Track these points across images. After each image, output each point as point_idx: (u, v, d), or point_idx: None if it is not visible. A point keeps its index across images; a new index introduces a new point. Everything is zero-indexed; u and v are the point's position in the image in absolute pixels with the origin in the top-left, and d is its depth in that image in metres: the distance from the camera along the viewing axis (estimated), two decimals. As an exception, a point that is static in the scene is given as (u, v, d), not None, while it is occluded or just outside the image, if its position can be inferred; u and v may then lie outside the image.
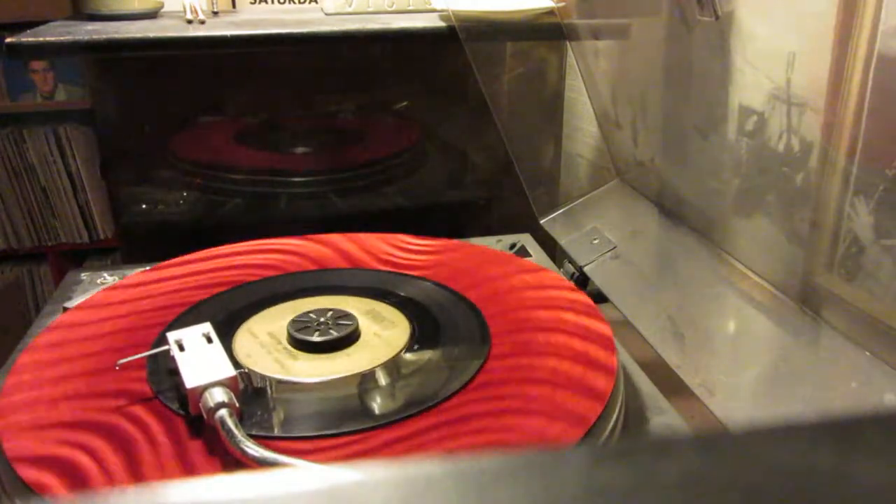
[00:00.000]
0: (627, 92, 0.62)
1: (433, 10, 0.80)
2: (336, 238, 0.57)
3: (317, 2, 0.84)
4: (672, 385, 0.45)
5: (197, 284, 0.50)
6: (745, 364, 0.45)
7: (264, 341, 0.42)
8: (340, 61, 0.80)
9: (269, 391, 0.38)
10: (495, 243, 0.63)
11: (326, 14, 0.79)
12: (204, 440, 0.34)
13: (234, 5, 0.85)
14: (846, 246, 0.38)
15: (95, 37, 0.65)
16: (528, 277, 0.50)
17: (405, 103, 0.83)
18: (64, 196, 1.38)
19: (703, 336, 0.49)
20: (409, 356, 0.41)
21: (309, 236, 0.57)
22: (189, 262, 0.54)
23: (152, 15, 0.78)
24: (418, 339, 0.43)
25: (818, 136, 0.38)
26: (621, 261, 0.60)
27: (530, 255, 0.61)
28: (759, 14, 0.42)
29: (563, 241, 0.66)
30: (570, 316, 0.44)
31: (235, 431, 0.32)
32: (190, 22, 0.73)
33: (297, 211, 0.81)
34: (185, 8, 0.75)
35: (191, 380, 0.35)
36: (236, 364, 0.39)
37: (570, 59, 0.77)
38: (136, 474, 0.32)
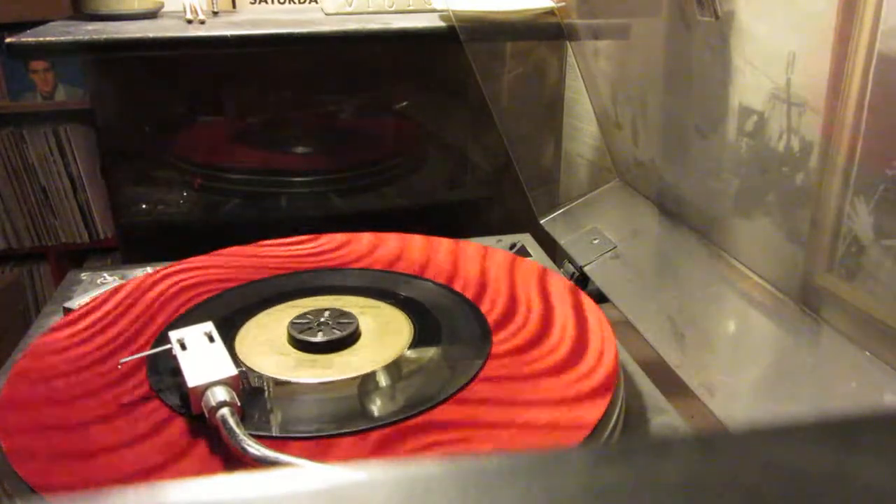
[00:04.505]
0: (627, 92, 0.62)
1: (433, 10, 0.80)
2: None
3: (317, 2, 0.84)
4: (672, 385, 0.45)
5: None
6: (745, 364, 0.45)
7: (265, 341, 0.42)
8: (340, 61, 0.80)
9: (269, 391, 0.38)
10: (495, 243, 0.63)
11: (326, 14, 0.79)
12: (205, 439, 0.34)
13: (234, 5, 0.85)
14: (846, 246, 0.38)
15: (95, 37, 0.65)
16: (528, 278, 0.50)
17: (405, 103, 0.83)
18: (64, 196, 1.38)
19: (703, 336, 0.49)
20: (409, 356, 0.41)
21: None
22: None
23: (152, 15, 0.78)
24: (418, 340, 0.43)
25: (818, 136, 0.38)
26: (621, 261, 0.60)
27: (530, 255, 0.61)
28: (759, 14, 0.42)
29: (563, 241, 0.66)
30: (570, 316, 0.44)
31: (237, 430, 0.32)
32: (190, 22, 0.73)
33: (297, 211, 0.81)
34: (185, 8, 0.75)
35: (192, 378, 0.35)
36: (237, 364, 0.39)
37: (570, 59, 0.77)
38: (137, 474, 0.32)
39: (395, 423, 0.35)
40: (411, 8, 0.81)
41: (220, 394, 0.34)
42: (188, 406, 0.35)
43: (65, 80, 1.38)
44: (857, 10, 0.34)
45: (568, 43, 0.71)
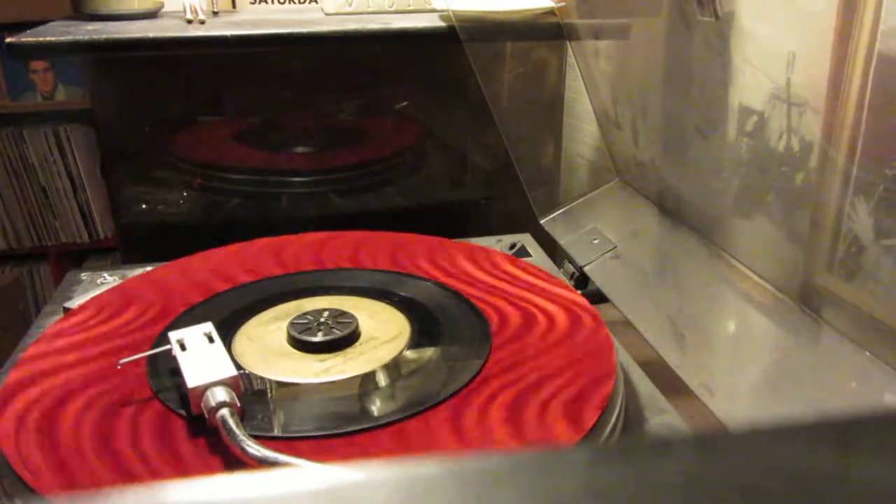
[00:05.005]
0: (627, 92, 0.62)
1: (433, 10, 0.80)
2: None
3: (317, 2, 0.84)
4: (672, 385, 0.45)
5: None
6: (745, 364, 0.45)
7: (265, 341, 0.42)
8: (340, 61, 0.80)
9: (269, 392, 0.38)
10: (495, 243, 0.63)
11: (326, 14, 0.79)
12: (205, 440, 0.34)
13: (234, 5, 0.85)
14: (846, 246, 0.38)
15: (95, 37, 0.65)
16: (527, 278, 0.50)
17: (405, 103, 0.83)
18: (64, 196, 1.38)
19: (703, 336, 0.49)
20: (409, 356, 0.41)
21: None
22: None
23: (152, 15, 0.78)
24: (418, 339, 0.43)
25: (818, 136, 0.38)
26: (621, 261, 0.60)
27: (530, 255, 0.61)
28: (759, 14, 0.42)
29: (563, 241, 0.66)
30: (569, 316, 0.44)
31: (237, 431, 0.32)
32: (190, 22, 0.73)
33: (297, 211, 0.81)
34: (185, 8, 0.75)
35: (192, 379, 0.35)
36: (237, 364, 0.39)
37: (570, 59, 0.77)
38: (137, 474, 0.32)
39: (394, 422, 0.35)
40: (411, 8, 0.81)
41: (219, 394, 0.34)
42: (188, 406, 0.35)
43: (65, 80, 1.38)
44: (857, 10, 0.34)
45: (568, 43, 0.71)
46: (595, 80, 0.67)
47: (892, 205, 0.34)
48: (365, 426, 0.35)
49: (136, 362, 0.39)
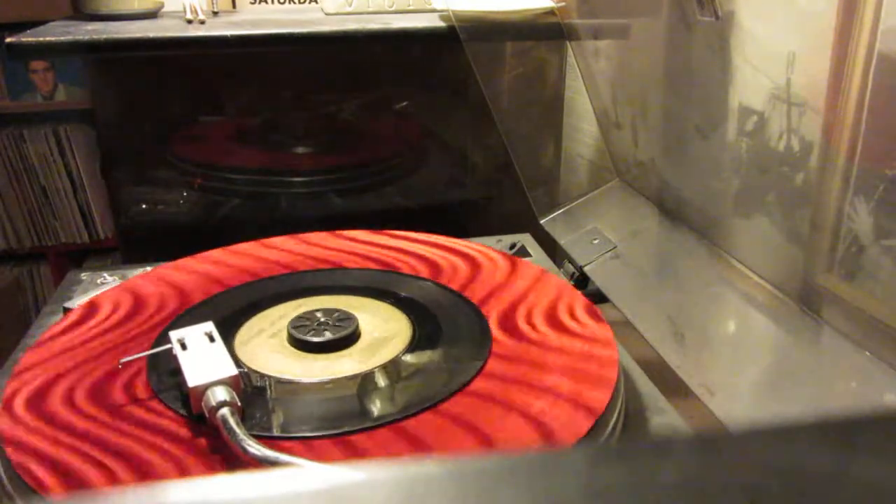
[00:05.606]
0: (627, 92, 0.62)
1: (433, 10, 0.80)
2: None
3: (317, 2, 0.84)
4: (672, 385, 0.45)
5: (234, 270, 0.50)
6: (745, 364, 0.45)
7: (265, 341, 0.42)
8: (340, 61, 0.80)
9: (269, 391, 0.38)
10: (495, 243, 0.63)
11: (326, 14, 0.79)
12: (205, 439, 0.34)
13: (234, 5, 0.85)
14: (846, 246, 0.38)
15: (95, 37, 0.65)
16: (528, 277, 0.50)
17: (405, 103, 0.83)
18: (64, 196, 1.38)
19: (703, 336, 0.49)
20: (409, 356, 0.41)
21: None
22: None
23: (152, 15, 0.78)
24: (418, 340, 0.43)
25: (818, 136, 0.38)
26: (621, 261, 0.60)
27: (530, 255, 0.61)
28: (759, 14, 0.42)
29: (563, 241, 0.66)
30: (570, 316, 0.44)
31: (237, 430, 0.32)
32: (190, 22, 0.73)
33: (297, 211, 0.81)
34: (185, 8, 0.75)
35: (193, 378, 0.35)
36: (237, 364, 0.39)
37: (570, 59, 0.77)
38: (137, 474, 0.32)
39: (394, 422, 0.35)
40: (411, 8, 0.81)
41: (220, 394, 0.34)
42: (188, 406, 0.35)
43: (65, 80, 1.38)
44: (857, 10, 0.34)
45: (568, 43, 0.71)
46: (595, 80, 0.67)
47: (892, 205, 0.34)
48: (365, 426, 0.35)
49: (136, 362, 0.39)
